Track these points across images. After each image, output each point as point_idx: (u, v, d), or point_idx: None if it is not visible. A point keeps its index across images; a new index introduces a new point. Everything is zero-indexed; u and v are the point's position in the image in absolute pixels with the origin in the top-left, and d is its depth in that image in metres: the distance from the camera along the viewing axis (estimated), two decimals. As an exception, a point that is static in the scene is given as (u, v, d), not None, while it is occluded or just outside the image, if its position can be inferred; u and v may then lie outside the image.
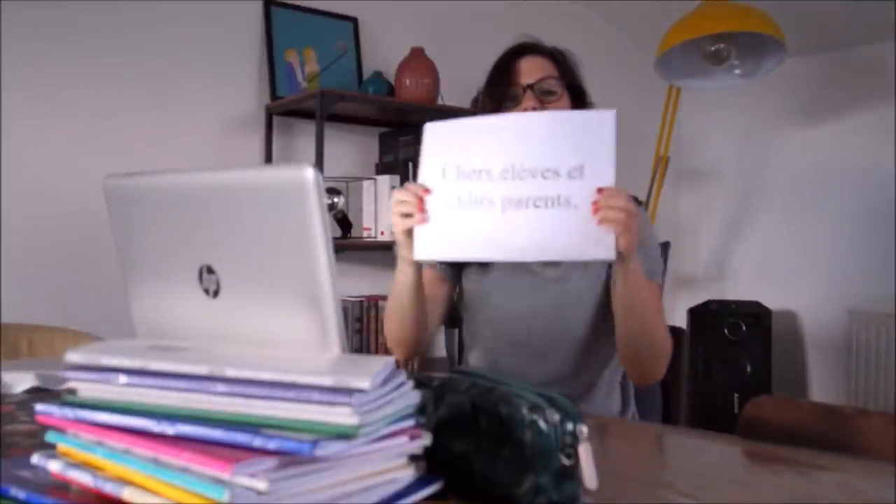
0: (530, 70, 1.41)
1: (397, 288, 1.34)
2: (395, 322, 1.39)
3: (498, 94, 1.42)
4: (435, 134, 1.18)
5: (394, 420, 0.64)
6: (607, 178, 1.06)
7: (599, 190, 1.07)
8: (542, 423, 0.66)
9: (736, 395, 3.29)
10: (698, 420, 3.29)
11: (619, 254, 1.11)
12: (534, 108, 1.37)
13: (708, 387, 3.33)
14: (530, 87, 1.39)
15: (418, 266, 1.29)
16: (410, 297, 1.33)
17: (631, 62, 3.60)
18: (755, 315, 3.35)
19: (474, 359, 1.49)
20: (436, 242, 1.15)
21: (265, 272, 0.70)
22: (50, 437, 0.67)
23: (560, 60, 1.44)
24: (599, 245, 1.07)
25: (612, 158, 1.06)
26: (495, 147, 1.11)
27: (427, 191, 1.16)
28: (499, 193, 1.10)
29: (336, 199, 2.65)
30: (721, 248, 3.89)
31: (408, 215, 1.18)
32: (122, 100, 2.45)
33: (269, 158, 2.72)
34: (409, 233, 1.19)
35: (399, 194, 1.19)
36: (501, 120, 1.21)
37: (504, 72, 1.42)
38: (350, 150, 2.92)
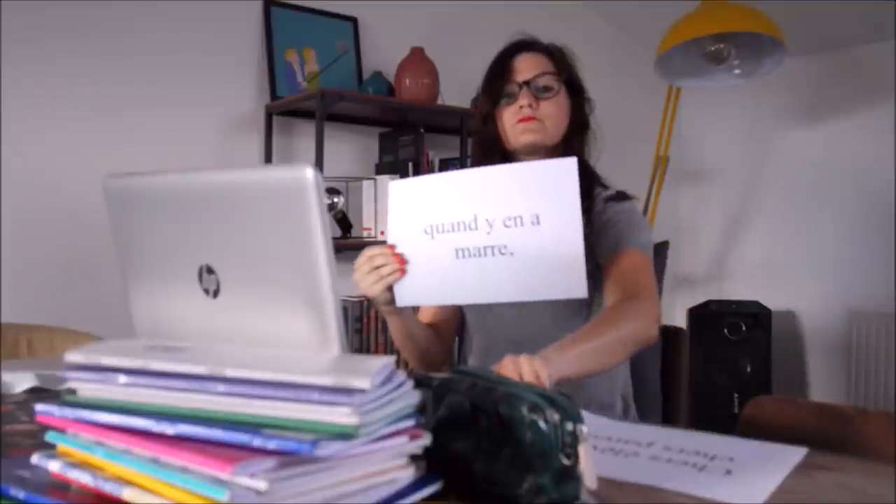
0: (526, 67, 1.41)
1: (395, 333, 1.39)
2: (409, 353, 1.43)
3: (494, 91, 1.42)
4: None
5: (394, 420, 0.63)
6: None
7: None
8: (541, 423, 0.66)
9: (736, 395, 3.29)
10: (698, 420, 3.29)
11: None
12: (529, 105, 1.38)
13: (708, 387, 3.33)
14: (526, 83, 1.39)
15: (400, 310, 1.31)
16: (411, 332, 1.39)
17: (631, 62, 3.60)
18: (755, 315, 3.35)
19: (473, 359, 1.50)
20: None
21: (265, 272, 0.70)
22: (50, 437, 0.67)
23: (556, 56, 1.45)
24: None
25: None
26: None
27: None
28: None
29: (336, 199, 2.65)
30: (721, 248, 3.89)
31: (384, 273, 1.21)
32: (123, 100, 2.45)
33: (269, 158, 2.72)
34: (388, 287, 1.23)
35: (371, 252, 1.23)
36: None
37: (500, 69, 1.43)
38: (350, 150, 2.92)
